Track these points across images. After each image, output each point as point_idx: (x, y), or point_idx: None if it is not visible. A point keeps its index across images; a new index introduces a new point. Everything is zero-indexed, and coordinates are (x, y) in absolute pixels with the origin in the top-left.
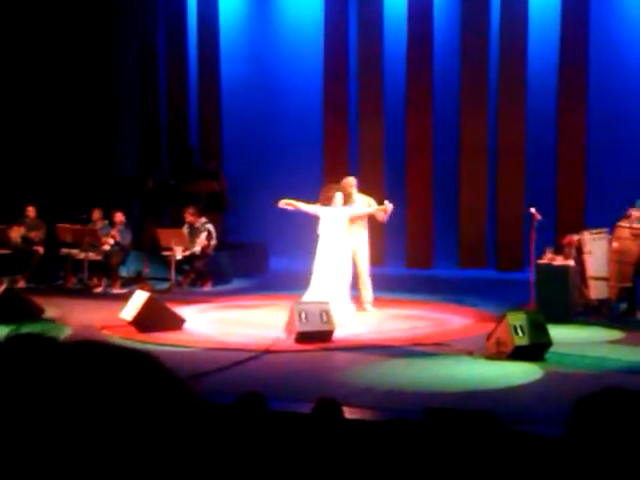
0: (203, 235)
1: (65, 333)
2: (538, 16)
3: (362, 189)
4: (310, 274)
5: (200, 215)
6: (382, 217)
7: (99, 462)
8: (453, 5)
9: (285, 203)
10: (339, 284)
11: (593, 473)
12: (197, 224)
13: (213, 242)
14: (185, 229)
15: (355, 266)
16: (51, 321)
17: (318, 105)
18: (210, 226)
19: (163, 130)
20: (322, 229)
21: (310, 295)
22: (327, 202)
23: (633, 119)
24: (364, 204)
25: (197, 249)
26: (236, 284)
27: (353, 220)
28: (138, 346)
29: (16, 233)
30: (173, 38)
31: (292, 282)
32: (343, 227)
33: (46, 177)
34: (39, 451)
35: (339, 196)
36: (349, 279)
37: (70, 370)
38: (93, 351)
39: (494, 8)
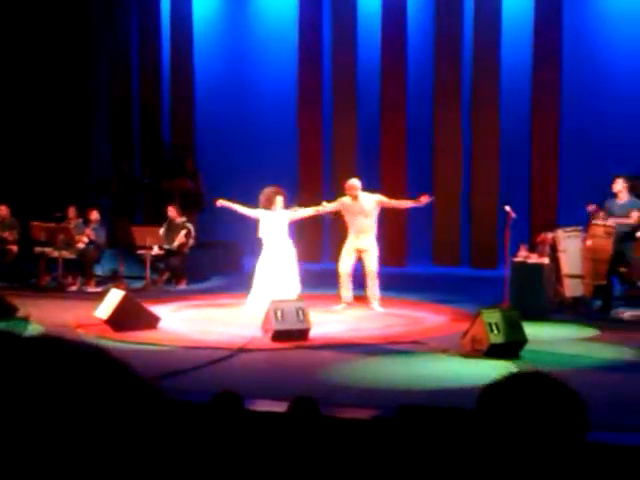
0: (182, 233)
1: (36, 331)
2: (511, 18)
3: (338, 188)
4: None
5: (181, 213)
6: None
7: (52, 462)
8: (427, 6)
9: (221, 203)
10: (284, 285)
11: (497, 445)
12: (177, 221)
13: (191, 241)
14: (164, 226)
15: (363, 266)
16: (24, 320)
17: (293, 103)
18: (190, 225)
19: (136, 127)
20: (263, 233)
21: (252, 300)
22: (268, 205)
23: (606, 119)
24: (373, 202)
25: (174, 245)
26: (211, 283)
27: (366, 215)
28: (113, 345)
29: None
30: (146, 36)
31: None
32: (284, 230)
33: (19, 175)
34: None
35: (279, 200)
36: (298, 283)
37: (26, 366)
38: (51, 347)
39: (467, 10)
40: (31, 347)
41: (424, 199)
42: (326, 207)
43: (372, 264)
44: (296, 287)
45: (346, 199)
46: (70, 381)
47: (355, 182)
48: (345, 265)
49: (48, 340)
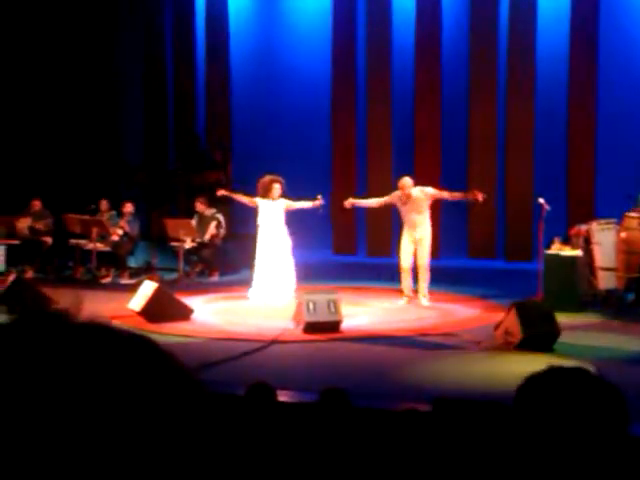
0: (213, 224)
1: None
2: (548, 8)
3: (371, 180)
4: (253, 267)
5: (210, 205)
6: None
7: (101, 451)
8: None
9: (221, 193)
10: (282, 274)
11: (536, 441)
12: (207, 213)
13: (222, 232)
14: (195, 219)
15: (415, 258)
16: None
17: (327, 96)
18: (220, 216)
19: (170, 120)
20: (261, 220)
21: (254, 289)
22: (265, 194)
23: None
24: (425, 197)
25: (206, 238)
26: (243, 274)
27: (419, 211)
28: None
29: (23, 224)
30: (181, 28)
31: (299, 273)
32: (281, 218)
33: (54, 168)
34: (38, 435)
35: (277, 187)
36: (292, 269)
37: (74, 352)
38: (98, 334)
39: (503, 1)
40: (81, 332)
41: (480, 196)
42: (369, 201)
43: (424, 257)
44: (292, 284)
45: (399, 194)
46: (118, 369)
47: (407, 181)
48: (405, 260)
49: (97, 327)
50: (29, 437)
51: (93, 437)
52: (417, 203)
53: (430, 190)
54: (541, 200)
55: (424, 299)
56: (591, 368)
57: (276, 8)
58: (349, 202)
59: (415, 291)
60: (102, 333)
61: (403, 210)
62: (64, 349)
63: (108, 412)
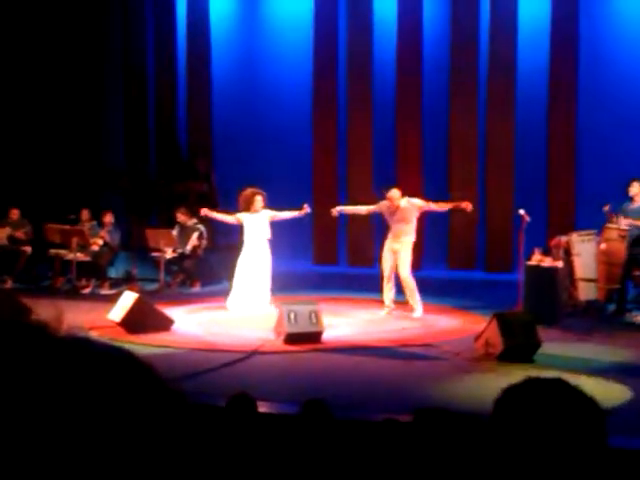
0: (195, 235)
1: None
2: (528, 21)
3: (352, 189)
4: (233, 278)
5: (192, 215)
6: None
7: (80, 465)
8: (443, 9)
9: (204, 212)
10: (261, 286)
11: (515, 453)
12: (189, 224)
13: (204, 243)
14: (176, 229)
15: (396, 271)
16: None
17: (308, 104)
18: (202, 226)
19: (151, 129)
20: (246, 235)
21: (232, 300)
22: (247, 207)
23: (623, 121)
24: (413, 209)
25: (187, 248)
26: (225, 285)
27: (407, 222)
28: (126, 347)
29: (1, 233)
30: (162, 36)
31: (280, 283)
32: (266, 230)
33: (33, 177)
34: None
35: (259, 200)
36: (269, 282)
37: (52, 366)
38: (77, 347)
39: (483, 12)
40: (59, 347)
41: (468, 206)
42: (360, 209)
43: (403, 268)
44: (266, 298)
45: (387, 204)
46: (97, 382)
47: (396, 192)
48: (386, 270)
49: (76, 340)
50: (5, 450)
51: (71, 451)
52: (405, 214)
53: (418, 202)
54: (521, 211)
55: (415, 311)
56: (570, 379)
57: (258, 17)
58: (336, 209)
59: (405, 303)
60: (81, 347)
61: (390, 220)
62: (42, 363)
63: (86, 425)
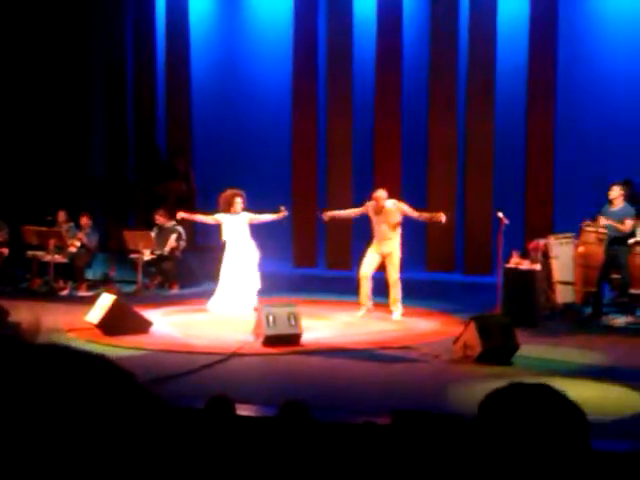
0: (173, 237)
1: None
2: (507, 22)
3: (331, 190)
4: (218, 280)
5: (170, 217)
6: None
7: (57, 471)
8: (422, 9)
9: (181, 215)
10: (245, 288)
11: (498, 457)
12: (167, 225)
13: (183, 244)
14: (154, 231)
15: (386, 274)
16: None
17: (288, 104)
18: (180, 228)
19: (130, 129)
20: (226, 235)
21: (215, 301)
22: (227, 208)
23: (602, 123)
24: (397, 211)
25: (166, 250)
26: (203, 287)
27: (391, 225)
28: (104, 349)
29: None
30: (141, 37)
31: (260, 286)
32: (246, 231)
33: (10, 179)
34: None
35: (238, 201)
36: (257, 283)
37: (29, 373)
38: (57, 355)
39: (463, 11)
40: (37, 354)
41: (443, 218)
42: (347, 212)
43: (394, 272)
44: (256, 283)
45: (373, 204)
46: (75, 390)
47: (382, 193)
48: (364, 267)
49: (53, 348)
50: None
51: (49, 458)
52: (389, 215)
53: (402, 206)
54: (500, 214)
55: (396, 313)
56: (553, 384)
57: (237, 16)
58: (327, 215)
59: (387, 305)
60: (58, 354)
61: (375, 220)
62: (18, 372)
63: (63, 432)
